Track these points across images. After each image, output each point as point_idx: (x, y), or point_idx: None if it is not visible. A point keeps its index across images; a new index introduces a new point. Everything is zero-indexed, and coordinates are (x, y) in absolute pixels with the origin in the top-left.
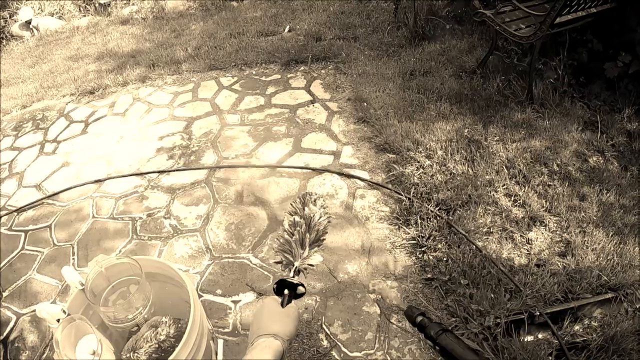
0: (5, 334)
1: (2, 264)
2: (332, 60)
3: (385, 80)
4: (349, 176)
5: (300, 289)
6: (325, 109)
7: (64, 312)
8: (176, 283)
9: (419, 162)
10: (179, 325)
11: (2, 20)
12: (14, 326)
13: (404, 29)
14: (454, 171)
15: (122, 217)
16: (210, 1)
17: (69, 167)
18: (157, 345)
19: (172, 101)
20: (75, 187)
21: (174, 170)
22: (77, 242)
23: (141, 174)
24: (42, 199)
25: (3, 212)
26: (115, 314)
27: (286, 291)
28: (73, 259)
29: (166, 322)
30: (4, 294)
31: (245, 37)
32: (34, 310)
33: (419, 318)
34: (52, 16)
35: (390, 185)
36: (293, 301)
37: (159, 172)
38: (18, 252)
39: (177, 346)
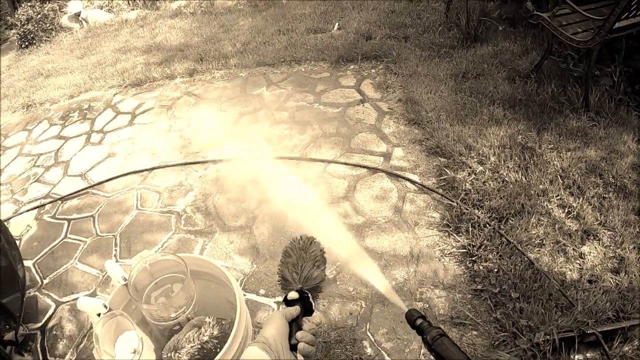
0: (43, 321)
1: (44, 251)
2: (383, 60)
3: (437, 82)
4: (399, 176)
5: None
6: (376, 109)
7: (105, 307)
8: (221, 282)
9: (471, 167)
10: (223, 325)
11: (51, 12)
12: (52, 314)
13: (456, 30)
14: (506, 179)
15: (166, 211)
16: None
17: (115, 157)
18: (199, 346)
19: (220, 95)
20: (120, 176)
21: (219, 161)
22: (119, 234)
23: (187, 163)
24: (87, 188)
25: (47, 200)
26: (158, 312)
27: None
28: (115, 250)
29: (209, 322)
30: (44, 282)
31: (294, 34)
32: (74, 299)
33: (419, 321)
34: (101, 9)
35: (441, 190)
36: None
37: (204, 162)
38: (60, 241)
39: (219, 348)
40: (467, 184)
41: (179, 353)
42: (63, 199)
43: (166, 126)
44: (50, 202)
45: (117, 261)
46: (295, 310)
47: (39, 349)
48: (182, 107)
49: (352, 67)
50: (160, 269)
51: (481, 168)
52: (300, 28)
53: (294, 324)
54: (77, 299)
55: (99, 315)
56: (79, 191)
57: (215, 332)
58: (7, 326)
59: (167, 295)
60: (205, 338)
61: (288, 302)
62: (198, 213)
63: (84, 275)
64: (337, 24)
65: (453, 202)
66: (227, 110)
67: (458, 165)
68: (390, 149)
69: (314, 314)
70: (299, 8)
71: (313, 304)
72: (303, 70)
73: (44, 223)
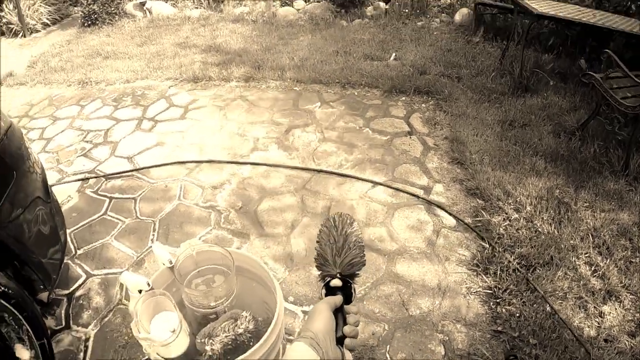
0: (71, 289)
1: (82, 223)
2: (434, 96)
3: (484, 126)
4: (440, 207)
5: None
6: (422, 143)
7: (148, 284)
8: (261, 282)
9: (507, 213)
10: (258, 322)
11: None
12: (81, 284)
13: (508, 78)
14: (539, 229)
15: (207, 206)
16: (321, 16)
17: (163, 147)
18: (233, 337)
19: (273, 105)
20: (168, 164)
21: (265, 166)
22: (159, 220)
23: (234, 162)
24: (132, 170)
25: (92, 175)
26: (198, 299)
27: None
28: (153, 235)
29: (246, 317)
30: (78, 252)
31: (351, 57)
32: (105, 274)
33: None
34: (166, 2)
35: (475, 231)
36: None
37: (252, 163)
38: (99, 216)
39: (252, 342)
40: (501, 229)
41: (213, 340)
42: (107, 176)
43: (217, 126)
44: (95, 177)
45: (152, 246)
46: (339, 299)
47: (62, 314)
48: (235, 109)
49: (403, 98)
50: (205, 259)
51: (516, 215)
52: (357, 52)
53: (339, 315)
54: (108, 274)
55: (140, 292)
56: (124, 172)
57: (251, 327)
58: (42, 286)
59: (207, 285)
60: (240, 330)
61: (329, 289)
62: (238, 213)
63: (119, 253)
64: (394, 54)
65: (486, 243)
66: (278, 120)
67: (495, 209)
68: (431, 183)
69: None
70: (359, 33)
71: (354, 293)
72: (356, 94)
73: (86, 196)
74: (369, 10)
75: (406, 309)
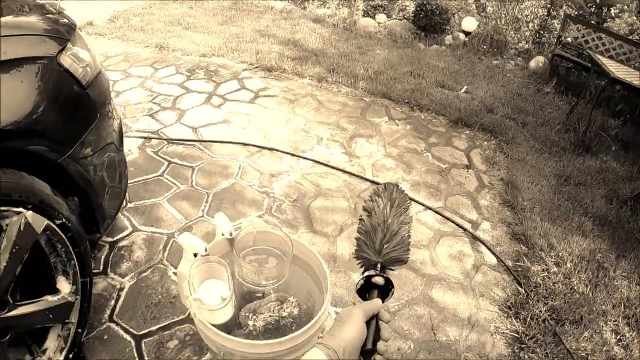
0: (115, 238)
1: (138, 179)
2: (497, 136)
3: (540, 176)
4: (482, 242)
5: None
6: (478, 179)
7: (206, 250)
8: (311, 273)
9: (547, 265)
10: (301, 310)
11: None
12: (126, 236)
13: (572, 134)
14: (575, 287)
15: (262, 191)
16: (400, 34)
17: (229, 125)
18: (277, 319)
19: (341, 110)
20: (232, 142)
21: (325, 166)
22: (213, 193)
23: (297, 155)
24: (196, 140)
25: (155, 136)
26: (250, 275)
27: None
28: (205, 205)
29: (292, 302)
30: (129, 205)
31: (423, 80)
32: (152, 232)
33: None
34: None
35: (514, 275)
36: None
37: (312, 160)
38: (156, 176)
39: (294, 328)
40: (539, 278)
41: (257, 317)
42: (170, 140)
43: (284, 117)
44: (158, 139)
45: (202, 216)
46: (377, 307)
47: (102, 260)
48: (304, 106)
49: (467, 132)
50: (263, 239)
51: (556, 269)
52: (430, 78)
53: (372, 323)
54: (154, 232)
55: (195, 255)
56: (187, 140)
57: (295, 313)
58: (94, 228)
59: (260, 264)
60: (285, 314)
61: (367, 284)
62: (290, 205)
63: (168, 215)
64: (466, 86)
65: (522, 289)
66: (344, 125)
67: (536, 258)
68: (480, 219)
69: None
70: (434, 59)
71: (392, 293)
72: (422, 117)
73: (146, 154)
74: (448, 39)
75: (434, 333)
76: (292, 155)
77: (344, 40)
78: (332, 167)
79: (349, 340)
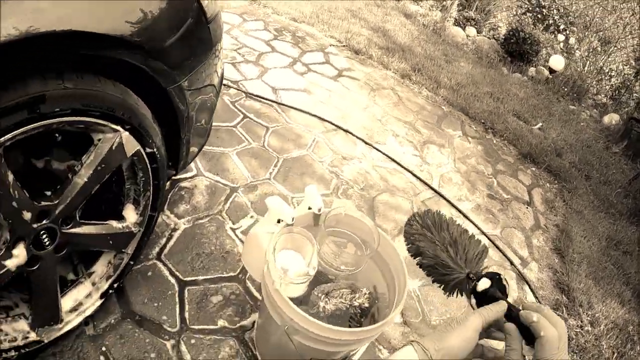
0: (179, 177)
1: (212, 123)
2: (561, 182)
3: (593, 234)
4: (527, 283)
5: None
6: (535, 218)
7: (292, 219)
8: (385, 271)
9: (582, 322)
10: (371, 304)
11: None
12: (189, 177)
13: (631, 201)
14: (603, 352)
15: (331, 171)
16: (486, 53)
17: (309, 95)
18: (347, 307)
19: (418, 112)
20: (311, 114)
21: (397, 164)
22: (283, 159)
23: (372, 146)
24: (275, 102)
25: (235, 86)
26: (329, 256)
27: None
28: (273, 169)
29: (365, 293)
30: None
31: (502, 106)
32: (215, 180)
33: None
34: None
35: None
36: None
37: (388, 156)
38: (229, 126)
39: (362, 320)
40: (572, 333)
41: (328, 299)
42: (249, 94)
43: (364, 103)
44: (237, 90)
45: (269, 179)
46: (501, 311)
47: None
48: (384, 97)
49: (533, 169)
50: (348, 223)
51: (589, 328)
52: (508, 105)
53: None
54: (218, 182)
55: (278, 221)
56: (266, 99)
57: (365, 305)
58: (170, 164)
59: (338, 248)
60: (356, 304)
61: (478, 294)
62: (357, 192)
63: (235, 169)
64: (540, 123)
65: None
66: (419, 128)
67: (574, 313)
68: (529, 259)
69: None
70: (515, 87)
71: (507, 287)
72: (494, 142)
73: (222, 102)
74: (532, 70)
75: None
76: (367, 143)
77: (432, 43)
78: (403, 167)
79: (450, 347)
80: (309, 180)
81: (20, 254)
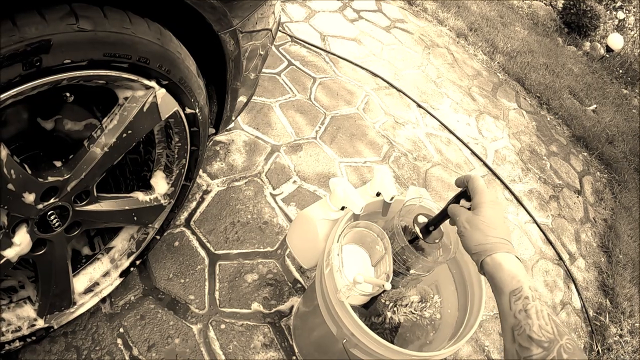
0: (218, 133)
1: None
2: (612, 173)
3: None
4: (574, 282)
5: None
6: (584, 209)
7: (361, 210)
8: (457, 276)
9: (622, 330)
10: (440, 314)
11: None
12: (226, 131)
13: None
14: None
15: (383, 135)
16: (542, 21)
17: (359, 46)
18: (417, 318)
19: (474, 77)
20: (361, 67)
21: (454, 134)
22: (331, 116)
23: (427, 111)
24: (323, 49)
25: (279, 29)
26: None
27: None
28: (319, 127)
29: (436, 303)
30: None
31: (557, 80)
32: (256, 137)
33: None
34: None
35: (592, 328)
36: None
37: (444, 125)
38: (272, 73)
39: (432, 333)
40: (612, 340)
41: (397, 309)
42: (295, 39)
43: (418, 61)
44: (281, 32)
45: (315, 138)
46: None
47: None
48: (439, 57)
49: (585, 154)
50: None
51: (628, 339)
52: (563, 79)
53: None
54: (258, 137)
55: (342, 208)
56: (314, 45)
57: (437, 317)
58: (213, 123)
59: None
60: (427, 314)
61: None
62: (410, 162)
63: (277, 123)
64: (595, 105)
65: (594, 345)
66: (474, 95)
67: (616, 320)
68: (577, 254)
69: None
70: (570, 61)
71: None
72: (549, 119)
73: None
74: (587, 45)
75: None
76: (421, 107)
77: (487, 1)
78: (458, 138)
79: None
80: (358, 145)
81: (22, 241)
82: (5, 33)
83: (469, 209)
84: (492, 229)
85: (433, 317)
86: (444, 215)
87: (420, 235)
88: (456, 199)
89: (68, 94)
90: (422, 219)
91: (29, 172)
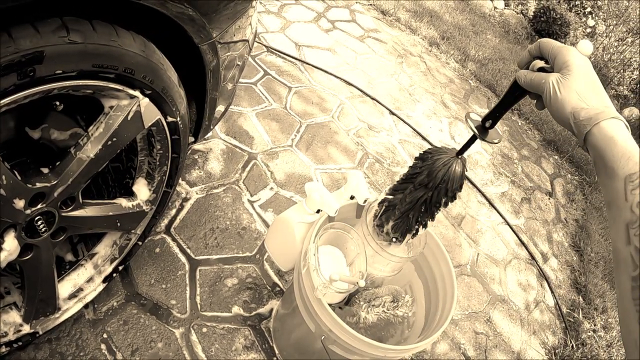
0: (197, 141)
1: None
2: (582, 174)
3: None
4: (547, 280)
5: None
6: (556, 211)
7: (335, 212)
8: (430, 286)
9: (596, 326)
10: (412, 313)
11: None
12: (203, 140)
13: None
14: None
15: (357, 142)
16: (513, 28)
17: (334, 55)
18: (389, 317)
19: (446, 85)
20: (335, 76)
21: (426, 141)
22: (306, 124)
23: (401, 118)
24: (298, 59)
25: (255, 40)
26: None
27: None
28: (295, 135)
29: (407, 301)
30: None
31: None
32: (232, 145)
33: None
34: None
35: (566, 324)
36: None
37: (417, 132)
38: (248, 83)
39: (406, 331)
40: (586, 336)
41: (370, 309)
42: (270, 49)
43: (391, 70)
44: (257, 43)
45: (291, 146)
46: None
47: None
48: (412, 66)
49: (556, 157)
50: None
51: (602, 334)
52: None
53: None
54: (236, 146)
55: (318, 211)
56: (289, 55)
57: (409, 315)
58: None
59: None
60: (399, 314)
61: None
62: (383, 168)
63: (254, 132)
64: None
65: (569, 341)
66: (447, 102)
67: (589, 316)
68: (549, 254)
69: None
70: None
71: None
72: (519, 124)
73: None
74: None
75: (486, 356)
76: (394, 114)
77: (460, 11)
78: (430, 144)
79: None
80: (333, 152)
81: (10, 247)
82: (1, 45)
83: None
84: (591, 90)
85: (405, 315)
86: (510, 98)
87: (477, 134)
88: (513, 90)
89: (58, 103)
90: (475, 116)
91: (19, 178)
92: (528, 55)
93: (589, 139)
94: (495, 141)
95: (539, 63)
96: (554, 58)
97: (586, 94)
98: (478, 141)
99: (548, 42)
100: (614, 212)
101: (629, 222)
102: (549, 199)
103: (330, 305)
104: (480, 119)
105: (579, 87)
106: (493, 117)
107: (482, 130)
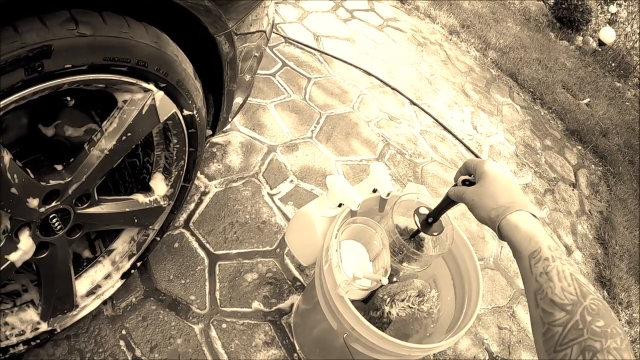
0: (215, 134)
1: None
2: (606, 165)
3: (636, 226)
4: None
5: None
6: (580, 202)
7: (358, 206)
8: (453, 268)
9: (620, 320)
10: (437, 309)
11: None
12: (222, 133)
13: None
14: (637, 355)
15: (378, 133)
16: (534, 16)
17: (353, 45)
18: (414, 312)
19: (467, 73)
20: (355, 66)
21: (448, 131)
22: (326, 115)
23: (422, 109)
24: (317, 50)
25: (274, 29)
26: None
27: None
28: (315, 126)
29: (433, 297)
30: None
31: (550, 75)
32: (251, 137)
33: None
34: None
35: None
36: None
37: (438, 122)
38: (267, 74)
39: (432, 326)
40: None
41: (394, 303)
42: (289, 40)
43: (411, 59)
44: (275, 33)
45: (311, 138)
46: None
47: None
48: (432, 54)
49: (579, 147)
50: (410, 209)
51: (627, 329)
52: (556, 74)
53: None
54: (255, 139)
55: (339, 205)
56: (308, 46)
57: (435, 311)
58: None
59: None
60: (424, 308)
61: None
62: (405, 159)
63: (273, 124)
64: (588, 99)
65: None
66: (468, 91)
67: (613, 310)
68: (573, 247)
69: None
70: (562, 55)
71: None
72: (542, 113)
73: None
74: (579, 40)
75: (509, 352)
76: (415, 104)
77: None
78: (452, 134)
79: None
80: (354, 143)
81: (25, 245)
82: (7, 39)
83: (471, 184)
84: (500, 192)
85: (431, 311)
86: (445, 204)
87: (420, 228)
88: (446, 199)
89: (69, 98)
90: (424, 210)
91: (32, 176)
92: (459, 172)
93: (500, 231)
94: (435, 233)
95: (462, 177)
96: (474, 171)
97: (497, 196)
98: (501, 131)
99: (470, 161)
100: (525, 283)
101: (535, 290)
102: (572, 190)
103: (352, 300)
104: (426, 214)
105: (490, 192)
106: (434, 215)
107: (426, 224)
